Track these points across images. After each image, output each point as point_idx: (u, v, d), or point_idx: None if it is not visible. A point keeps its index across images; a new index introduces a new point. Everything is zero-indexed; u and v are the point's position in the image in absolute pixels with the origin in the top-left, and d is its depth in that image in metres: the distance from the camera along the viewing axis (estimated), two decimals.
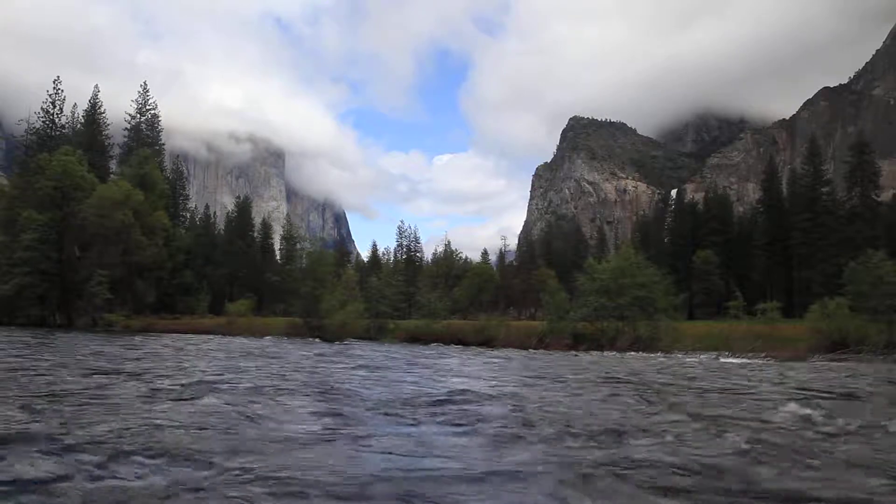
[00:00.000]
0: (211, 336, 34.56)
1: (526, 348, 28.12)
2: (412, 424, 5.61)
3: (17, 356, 13.57)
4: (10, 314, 44.37)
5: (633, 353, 23.90)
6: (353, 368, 12.95)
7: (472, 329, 34.89)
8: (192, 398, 6.74)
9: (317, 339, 33.99)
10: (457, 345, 31.17)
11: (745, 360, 19.24)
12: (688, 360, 19.94)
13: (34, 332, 29.77)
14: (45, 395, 6.65)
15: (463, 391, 8.33)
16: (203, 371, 11.04)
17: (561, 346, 28.07)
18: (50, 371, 9.76)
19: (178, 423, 5.12)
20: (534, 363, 17.07)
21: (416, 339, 34.99)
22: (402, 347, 27.58)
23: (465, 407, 6.70)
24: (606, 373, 13.06)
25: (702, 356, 21.79)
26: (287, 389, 8.07)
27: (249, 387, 8.20)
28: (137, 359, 14.06)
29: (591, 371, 13.80)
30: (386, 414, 6.18)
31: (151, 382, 8.29)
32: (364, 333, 37.02)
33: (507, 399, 7.59)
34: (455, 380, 10.71)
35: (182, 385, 7.87)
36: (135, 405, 6.09)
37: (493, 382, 10.24)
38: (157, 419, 5.28)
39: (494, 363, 16.80)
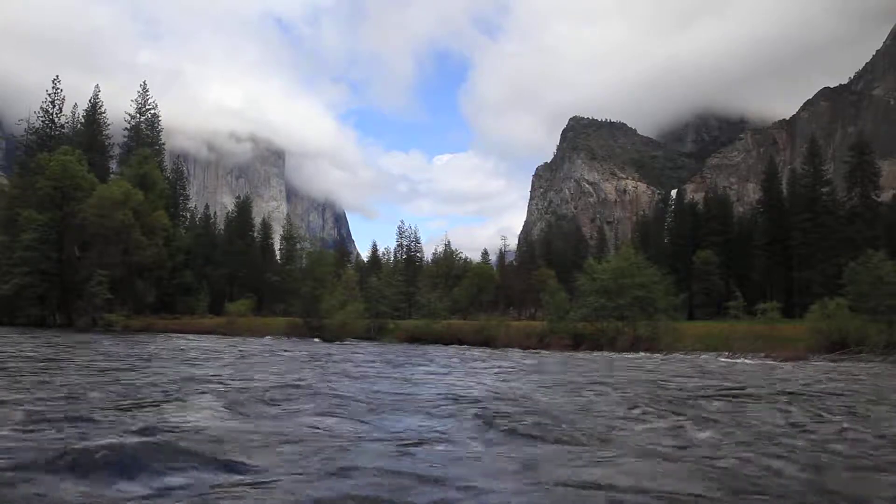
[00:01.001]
0: (234, 337, 34.30)
1: (526, 348, 28.10)
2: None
3: (89, 361, 13.20)
4: (10, 314, 44.40)
5: (633, 353, 23.88)
6: (429, 375, 12.38)
7: (472, 329, 34.87)
8: (311, 412, 6.51)
9: (316, 339, 33.97)
10: (458, 345, 31.16)
11: (770, 362, 19.22)
12: (699, 360, 19.94)
13: (42, 333, 29.77)
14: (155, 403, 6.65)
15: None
16: (274, 377, 10.78)
17: (561, 346, 28.06)
18: (136, 378, 9.61)
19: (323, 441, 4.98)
20: (576, 365, 16.99)
21: (416, 339, 34.99)
22: (437, 349, 27.54)
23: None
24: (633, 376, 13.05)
25: (703, 356, 21.80)
26: (379, 400, 7.68)
27: (343, 396, 7.96)
28: (189, 360, 13.88)
29: (616, 371, 13.81)
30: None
31: (255, 391, 8.01)
32: (364, 333, 37.01)
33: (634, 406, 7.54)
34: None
35: (293, 398, 7.52)
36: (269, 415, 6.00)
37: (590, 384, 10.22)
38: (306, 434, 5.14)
39: (543, 363, 16.70)
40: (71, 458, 3.76)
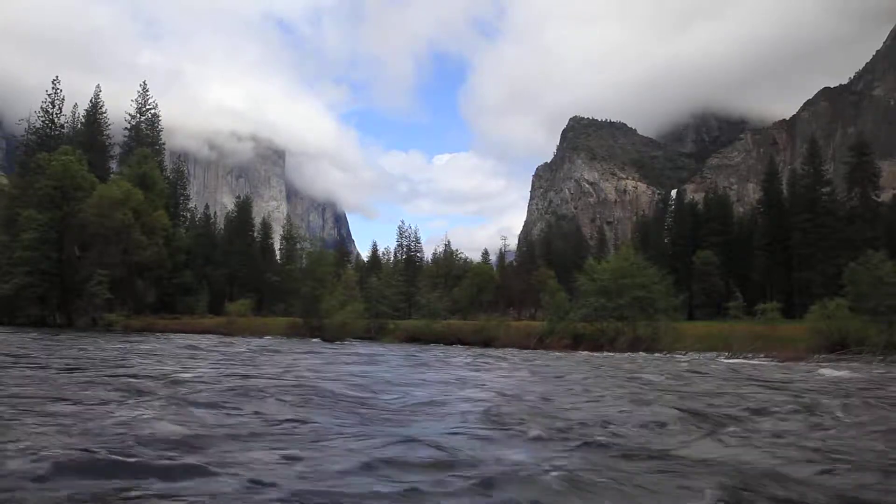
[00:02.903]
0: (256, 339, 33.87)
1: (526, 349, 28.10)
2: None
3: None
4: (10, 314, 44.38)
5: (633, 353, 23.88)
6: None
7: (471, 329, 34.88)
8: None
9: (316, 339, 33.94)
10: (458, 345, 31.16)
11: (783, 364, 19.17)
12: (715, 361, 19.93)
13: (48, 333, 29.71)
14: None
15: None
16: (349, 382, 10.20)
17: (561, 346, 28.07)
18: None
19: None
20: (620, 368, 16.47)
21: (416, 339, 35.00)
22: (452, 349, 27.49)
23: None
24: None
25: (701, 356, 21.80)
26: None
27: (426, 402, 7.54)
28: (251, 363, 13.33)
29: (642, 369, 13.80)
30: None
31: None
32: (364, 333, 37.01)
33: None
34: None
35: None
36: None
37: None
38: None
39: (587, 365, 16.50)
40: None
